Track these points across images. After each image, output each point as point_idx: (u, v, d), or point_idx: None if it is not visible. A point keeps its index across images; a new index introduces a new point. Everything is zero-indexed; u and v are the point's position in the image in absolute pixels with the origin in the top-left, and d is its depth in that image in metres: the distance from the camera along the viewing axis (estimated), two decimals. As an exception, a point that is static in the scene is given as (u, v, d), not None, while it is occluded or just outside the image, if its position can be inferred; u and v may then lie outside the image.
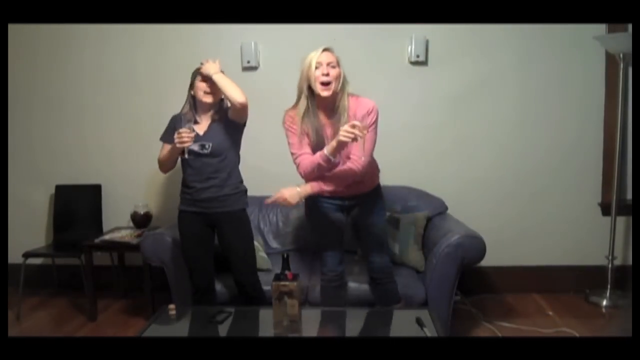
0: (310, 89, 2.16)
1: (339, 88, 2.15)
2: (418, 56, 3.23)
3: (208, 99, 2.34)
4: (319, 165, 2.13)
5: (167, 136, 2.43)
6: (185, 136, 2.23)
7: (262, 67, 3.29)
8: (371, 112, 2.17)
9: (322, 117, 2.21)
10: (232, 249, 2.43)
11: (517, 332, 2.80)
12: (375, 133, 2.19)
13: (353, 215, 2.37)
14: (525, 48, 3.23)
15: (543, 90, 3.26)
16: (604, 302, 3.16)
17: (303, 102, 2.19)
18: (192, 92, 2.39)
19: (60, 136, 3.48)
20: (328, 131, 2.20)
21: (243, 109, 2.31)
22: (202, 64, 2.34)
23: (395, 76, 3.27)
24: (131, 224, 3.22)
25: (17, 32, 3.25)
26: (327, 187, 2.19)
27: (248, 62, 3.25)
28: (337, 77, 2.14)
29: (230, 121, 2.38)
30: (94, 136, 3.46)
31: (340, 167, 2.17)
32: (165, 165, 2.49)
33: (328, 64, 2.13)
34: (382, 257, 2.41)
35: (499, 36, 3.20)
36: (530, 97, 3.27)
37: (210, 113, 2.41)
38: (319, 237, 2.42)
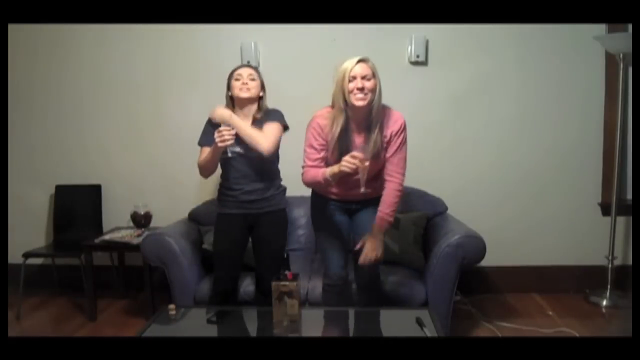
0: (345, 100, 2.12)
1: (375, 100, 2.11)
2: (418, 56, 3.23)
3: (245, 94, 2.30)
4: (319, 182, 2.17)
5: (206, 139, 2.36)
6: (226, 134, 2.15)
7: (262, 67, 3.29)
8: (402, 130, 2.18)
9: (354, 126, 2.19)
10: (265, 245, 2.42)
11: (517, 332, 2.80)
12: (406, 148, 2.21)
13: (354, 218, 2.35)
14: (525, 48, 3.23)
15: (543, 90, 3.26)
16: (604, 302, 3.16)
17: (339, 116, 2.14)
18: (230, 93, 2.36)
19: (60, 136, 3.48)
20: (357, 140, 2.18)
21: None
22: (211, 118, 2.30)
23: (395, 76, 3.26)
24: (131, 224, 3.22)
25: (17, 32, 3.25)
26: (389, 219, 2.21)
27: (248, 62, 3.25)
28: (373, 89, 2.10)
29: None
30: (93, 136, 3.46)
31: (386, 195, 2.18)
32: (207, 169, 2.36)
33: (363, 77, 2.07)
34: (369, 267, 2.29)
35: (499, 36, 3.21)
36: (530, 97, 3.27)
37: (251, 112, 2.37)
38: (322, 238, 2.39)
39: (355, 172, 2.04)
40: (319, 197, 2.35)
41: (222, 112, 2.26)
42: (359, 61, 2.09)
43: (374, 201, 2.30)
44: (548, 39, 3.20)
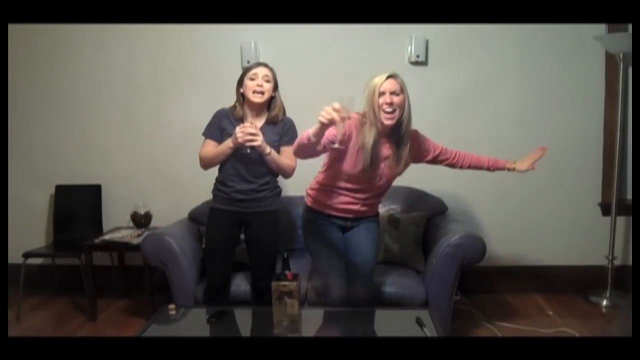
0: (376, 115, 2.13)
1: (404, 116, 2.13)
2: (418, 56, 3.23)
3: (257, 99, 2.31)
4: (302, 144, 2.02)
5: (212, 132, 2.40)
6: (250, 131, 2.20)
7: (262, 67, 3.29)
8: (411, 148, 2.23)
9: (384, 140, 2.20)
10: (257, 246, 2.44)
11: (517, 332, 2.81)
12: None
13: (348, 236, 2.34)
14: (525, 48, 3.23)
15: (543, 90, 3.26)
16: (604, 302, 3.16)
17: (372, 129, 2.13)
18: (242, 90, 2.36)
19: (60, 136, 3.48)
20: (385, 153, 2.19)
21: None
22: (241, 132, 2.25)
23: (395, 76, 3.27)
24: (131, 224, 3.22)
25: (17, 32, 3.25)
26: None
27: (248, 62, 3.24)
28: (401, 105, 2.12)
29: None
30: (93, 136, 3.46)
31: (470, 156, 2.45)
32: (212, 161, 2.40)
33: (392, 93, 2.10)
34: (362, 286, 2.27)
35: (499, 36, 3.21)
36: (530, 97, 3.27)
37: (261, 112, 2.39)
38: (320, 260, 2.33)
39: (331, 122, 1.88)
40: (313, 212, 2.33)
41: (257, 139, 2.25)
42: (388, 77, 2.11)
43: (368, 219, 2.33)
44: (548, 39, 3.20)
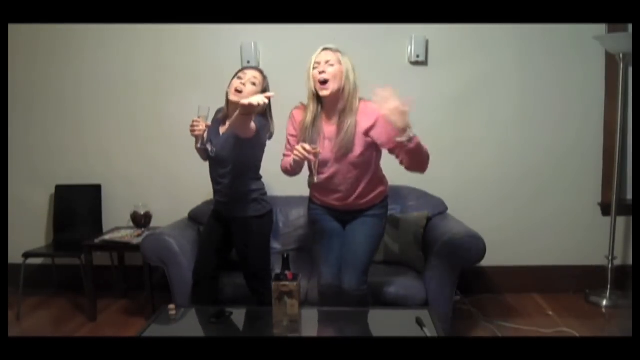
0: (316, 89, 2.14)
1: (339, 88, 2.09)
2: (418, 56, 3.23)
3: (234, 97, 2.26)
4: (287, 169, 2.24)
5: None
6: (194, 124, 2.20)
7: (262, 67, 3.28)
8: (375, 126, 2.10)
9: (324, 116, 2.19)
10: (238, 253, 2.45)
11: (517, 332, 2.81)
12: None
13: (347, 228, 2.34)
14: (525, 48, 3.23)
15: (543, 90, 3.26)
16: (604, 302, 3.16)
17: (311, 105, 2.17)
18: (227, 90, 2.34)
19: (60, 136, 3.48)
20: (327, 130, 2.16)
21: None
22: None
23: (395, 76, 3.27)
24: (131, 224, 3.22)
25: (17, 32, 3.25)
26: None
27: (248, 62, 3.25)
28: (336, 75, 2.08)
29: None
30: (93, 136, 3.46)
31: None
32: (199, 153, 2.44)
33: (326, 62, 2.09)
34: (350, 279, 2.21)
35: (499, 36, 3.21)
36: (530, 97, 3.27)
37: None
38: (316, 247, 2.40)
39: (305, 159, 1.99)
40: (313, 203, 2.37)
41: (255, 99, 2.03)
42: (323, 49, 2.14)
43: (366, 212, 2.30)
44: (548, 39, 3.20)
